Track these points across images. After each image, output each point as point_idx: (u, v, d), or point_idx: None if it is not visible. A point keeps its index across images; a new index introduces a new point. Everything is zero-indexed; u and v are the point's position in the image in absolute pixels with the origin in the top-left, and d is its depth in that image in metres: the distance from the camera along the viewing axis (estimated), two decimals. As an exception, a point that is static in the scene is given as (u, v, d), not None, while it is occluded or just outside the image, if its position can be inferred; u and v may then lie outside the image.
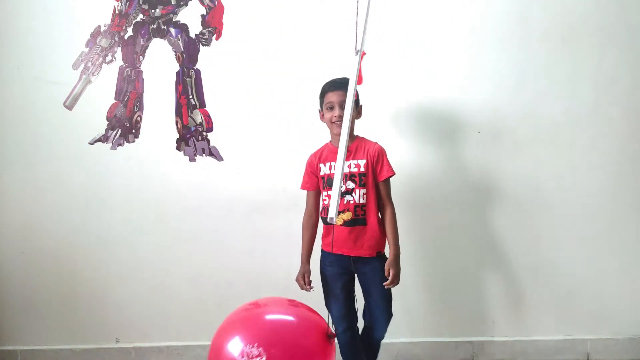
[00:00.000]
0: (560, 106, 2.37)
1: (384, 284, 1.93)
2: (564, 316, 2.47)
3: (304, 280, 2.02)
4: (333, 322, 2.02)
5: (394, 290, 2.14)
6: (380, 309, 2.01)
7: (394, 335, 2.45)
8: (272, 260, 2.39)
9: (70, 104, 2.40)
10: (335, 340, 2.00)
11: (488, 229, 2.42)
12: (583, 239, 2.43)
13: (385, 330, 2.05)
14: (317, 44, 2.30)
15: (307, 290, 2.03)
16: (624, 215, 2.42)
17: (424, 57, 2.34)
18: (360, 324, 2.06)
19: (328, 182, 1.98)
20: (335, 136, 2.00)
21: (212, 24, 2.35)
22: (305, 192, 2.09)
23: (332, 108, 1.97)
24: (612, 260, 2.44)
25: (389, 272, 1.93)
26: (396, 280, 1.93)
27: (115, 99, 2.39)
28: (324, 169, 2.02)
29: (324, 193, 2.02)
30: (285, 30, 2.37)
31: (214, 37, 2.36)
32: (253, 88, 2.39)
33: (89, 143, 2.41)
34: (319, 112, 2.06)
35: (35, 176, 2.43)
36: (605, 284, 2.45)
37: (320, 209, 2.05)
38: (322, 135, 2.33)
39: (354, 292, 2.04)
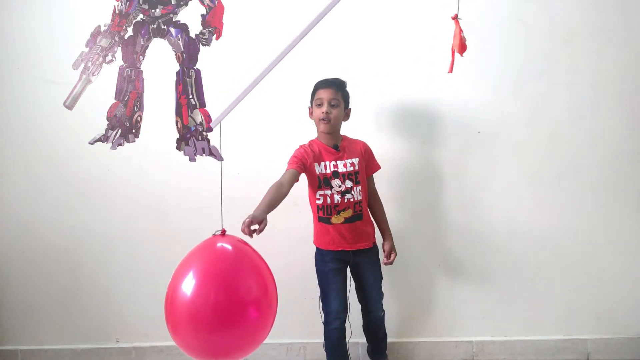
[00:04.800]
0: (560, 106, 2.37)
1: (385, 262, 2.15)
2: (564, 316, 2.47)
3: (250, 223, 1.75)
4: (328, 319, 2.14)
5: (390, 288, 2.35)
6: (376, 290, 2.17)
7: (395, 335, 2.45)
8: (272, 260, 2.38)
9: (70, 104, 2.39)
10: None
11: (488, 228, 2.43)
12: (583, 238, 2.43)
13: (382, 308, 2.21)
14: (318, 44, 2.30)
15: (247, 234, 1.76)
16: (624, 215, 2.42)
17: (424, 57, 2.34)
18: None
19: (324, 181, 2.04)
20: (322, 134, 2.08)
21: (212, 23, 2.35)
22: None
23: (321, 105, 2.03)
24: (612, 260, 2.44)
25: (390, 255, 2.15)
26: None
27: (115, 98, 2.39)
28: (319, 169, 2.06)
29: (319, 192, 2.06)
30: (286, 30, 2.37)
31: (214, 37, 2.35)
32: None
33: (89, 143, 2.40)
34: (309, 108, 2.12)
35: (35, 176, 2.43)
36: (605, 284, 2.45)
37: (317, 208, 2.09)
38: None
39: (346, 288, 2.15)
